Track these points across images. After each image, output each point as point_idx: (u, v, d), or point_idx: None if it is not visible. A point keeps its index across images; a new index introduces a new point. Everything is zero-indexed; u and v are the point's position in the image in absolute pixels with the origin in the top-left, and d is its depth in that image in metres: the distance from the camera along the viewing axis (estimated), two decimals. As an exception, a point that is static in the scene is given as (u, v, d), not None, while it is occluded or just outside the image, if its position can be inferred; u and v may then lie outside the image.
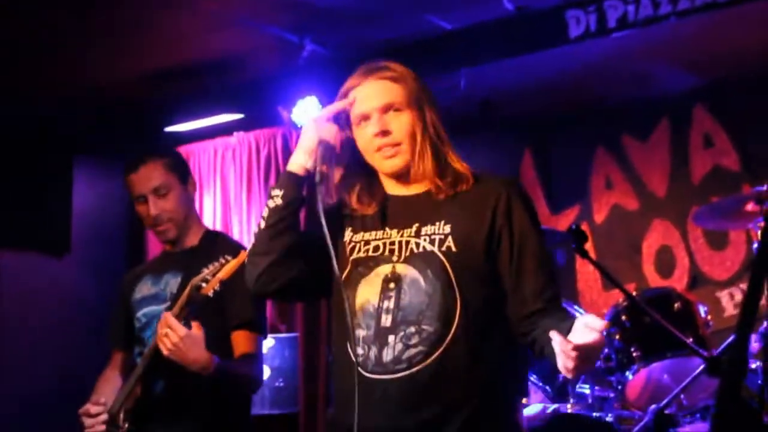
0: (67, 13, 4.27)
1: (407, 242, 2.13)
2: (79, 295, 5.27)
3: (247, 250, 2.26)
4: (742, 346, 1.03)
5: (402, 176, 2.21)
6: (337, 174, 2.23)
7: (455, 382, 2.04)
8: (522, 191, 2.20)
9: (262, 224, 2.20)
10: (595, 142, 5.63)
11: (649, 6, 4.11)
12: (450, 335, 2.04)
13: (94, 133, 5.53)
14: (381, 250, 2.16)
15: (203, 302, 2.78)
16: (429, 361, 2.03)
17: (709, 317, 3.92)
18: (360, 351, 2.08)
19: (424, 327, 2.04)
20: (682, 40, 4.64)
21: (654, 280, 5.38)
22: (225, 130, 5.50)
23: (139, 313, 3.05)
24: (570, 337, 1.86)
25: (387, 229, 2.18)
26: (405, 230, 2.16)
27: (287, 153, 5.33)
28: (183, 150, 5.60)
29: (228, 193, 5.51)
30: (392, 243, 2.15)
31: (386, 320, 2.07)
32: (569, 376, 1.91)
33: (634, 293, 3.72)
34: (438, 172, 2.18)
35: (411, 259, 2.11)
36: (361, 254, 2.17)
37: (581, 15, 4.27)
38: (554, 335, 1.86)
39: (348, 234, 2.22)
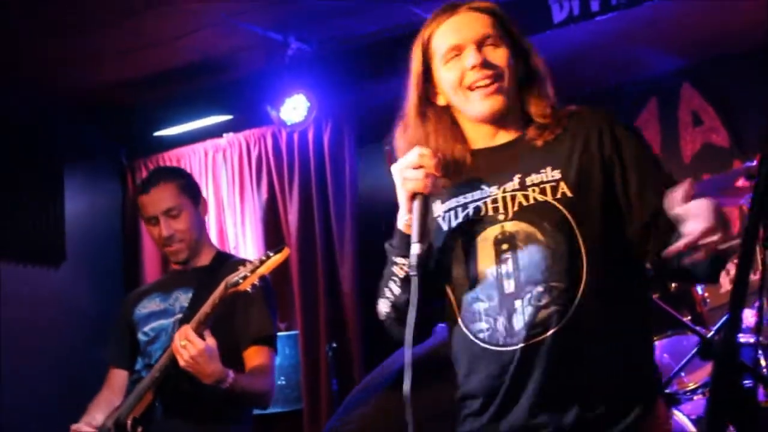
0: (45, 11, 4.22)
1: (513, 197, 1.92)
2: (77, 302, 5.25)
3: (386, 315, 2.02)
4: (733, 326, 1.03)
5: (496, 121, 2.00)
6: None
7: (596, 338, 1.86)
8: (618, 118, 2.01)
9: (396, 292, 1.96)
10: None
11: (631, -12, 4.11)
12: (581, 288, 1.85)
13: (82, 140, 5.50)
14: (483, 211, 1.94)
15: (232, 302, 2.76)
16: (565, 319, 1.84)
17: (706, 294, 3.93)
18: (483, 326, 1.90)
19: (553, 284, 1.85)
20: (665, 21, 4.63)
21: (649, 260, 5.39)
22: (214, 131, 5.49)
23: (146, 328, 3.04)
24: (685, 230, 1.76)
25: (484, 187, 1.96)
26: (506, 184, 1.94)
27: (278, 152, 5.32)
28: (173, 153, 5.60)
29: (221, 195, 5.50)
30: (494, 201, 1.94)
31: (509, 285, 1.87)
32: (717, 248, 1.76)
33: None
34: (536, 113, 1.99)
35: (521, 214, 1.90)
36: (461, 221, 1.96)
37: (564, 0, 4.27)
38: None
39: (437, 206, 2.00)
